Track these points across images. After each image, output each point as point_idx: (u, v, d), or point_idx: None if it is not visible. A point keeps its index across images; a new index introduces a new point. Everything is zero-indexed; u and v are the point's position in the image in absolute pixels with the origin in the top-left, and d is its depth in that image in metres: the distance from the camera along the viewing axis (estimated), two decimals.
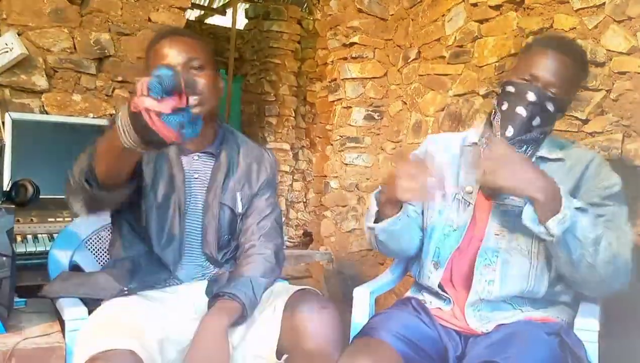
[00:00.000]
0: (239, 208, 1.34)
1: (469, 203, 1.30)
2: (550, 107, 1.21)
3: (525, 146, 1.24)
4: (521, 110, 1.21)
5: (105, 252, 1.52)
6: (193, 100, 0.89)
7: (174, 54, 1.24)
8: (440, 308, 1.31)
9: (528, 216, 1.10)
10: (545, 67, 1.21)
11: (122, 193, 1.13)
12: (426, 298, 1.35)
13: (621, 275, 1.14)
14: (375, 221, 1.28)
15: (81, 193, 1.09)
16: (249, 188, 1.36)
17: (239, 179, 1.35)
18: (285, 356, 1.17)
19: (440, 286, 1.31)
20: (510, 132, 1.21)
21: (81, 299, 1.27)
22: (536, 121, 1.21)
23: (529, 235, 1.20)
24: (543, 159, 1.26)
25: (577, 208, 1.08)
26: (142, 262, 1.27)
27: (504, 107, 1.23)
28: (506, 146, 1.12)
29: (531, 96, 1.20)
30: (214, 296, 1.22)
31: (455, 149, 1.38)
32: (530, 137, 1.22)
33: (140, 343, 1.03)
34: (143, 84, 0.84)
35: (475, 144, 1.33)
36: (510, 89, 1.24)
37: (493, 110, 1.28)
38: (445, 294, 1.30)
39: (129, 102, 0.86)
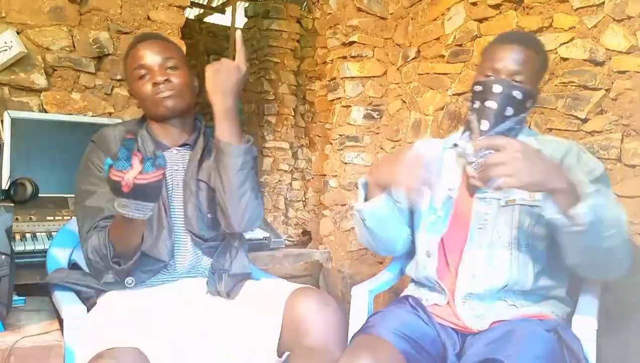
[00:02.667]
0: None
1: (450, 196, 1.35)
2: (518, 94, 1.25)
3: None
4: (491, 103, 1.25)
5: None
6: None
7: (150, 56, 1.32)
8: (437, 304, 1.32)
9: (552, 210, 1.06)
10: (505, 59, 1.27)
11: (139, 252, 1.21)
12: (423, 295, 1.36)
13: (628, 254, 1.15)
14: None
15: (110, 270, 1.22)
16: None
17: (214, 158, 1.36)
18: (286, 354, 1.17)
19: (437, 275, 1.32)
20: (485, 126, 1.25)
21: (80, 298, 1.27)
22: (509, 111, 1.25)
23: (508, 227, 1.25)
24: None
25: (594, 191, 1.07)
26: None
27: (476, 105, 1.28)
28: (517, 143, 1.06)
29: (497, 88, 1.25)
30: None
31: (438, 152, 1.42)
32: (506, 127, 1.25)
33: (145, 340, 1.03)
34: (117, 171, 1.01)
35: (455, 144, 1.37)
36: (478, 88, 1.29)
37: (469, 112, 1.32)
38: (441, 286, 1.31)
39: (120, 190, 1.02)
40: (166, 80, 1.30)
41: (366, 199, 1.33)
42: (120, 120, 2.21)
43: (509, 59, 1.26)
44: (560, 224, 1.06)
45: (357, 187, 2.90)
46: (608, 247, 1.09)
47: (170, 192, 1.34)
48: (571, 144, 1.30)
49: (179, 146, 1.39)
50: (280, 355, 1.17)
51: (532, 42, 1.33)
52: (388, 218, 1.34)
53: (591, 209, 1.02)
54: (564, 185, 1.03)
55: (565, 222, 1.05)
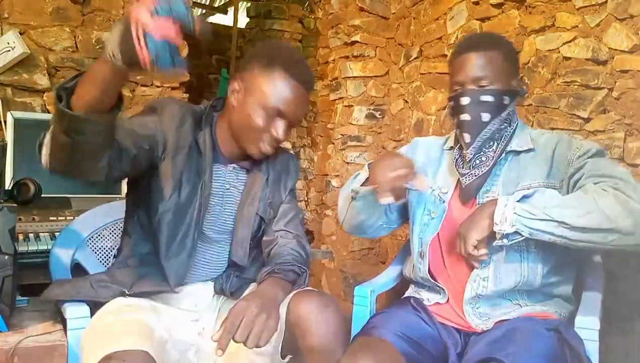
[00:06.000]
0: (270, 217, 1.36)
1: (444, 201, 1.35)
2: (488, 98, 1.25)
3: (494, 143, 1.29)
4: (465, 116, 1.27)
5: (107, 250, 1.52)
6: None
7: (293, 108, 1.22)
8: (438, 303, 1.32)
9: (498, 239, 1.15)
10: (464, 68, 1.27)
11: (93, 128, 0.95)
12: (423, 295, 1.37)
13: (622, 213, 1.06)
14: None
15: (54, 122, 0.96)
16: (278, 198, 1.38)
17: (271, 190, 1.36)
18: (289, 357, 1.17)
19: (431, 275, 1.32)
20: (467, 138, 1.28)
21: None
22: (485, 117, 1.26)
23: None
24: (514, 152, 1.30)
25: (520, 199, 1.13)
26: (148, 264, 1.25)
27: (455, 120, 1.31)
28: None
29: (465, 100, 1.26)
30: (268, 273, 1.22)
31: (435, 152, 1.44)
32: (490, 132, 1.26)
33: (151, 343, 1.03)
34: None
35: (452, 147, 1.39)
36: (451, 103, 1.31)
37: (455, 126, 1.34)
38: (438, 285, 1.31)
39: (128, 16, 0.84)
40: (281, 140, 1.25)
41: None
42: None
43: (467, 68, 1.26)
44: (507, 244, 1.15)
45: None
46: (571, 228, 1.08)
47: (216, 209, 1.29)
48: (562, 135, 1.30)
49: (237, 164, 1.33)
50: (283, 357, 1.16)
51: (487, 42, 1.31)
52: (374, 206, 1.33)
53: (503, 222, 1.12)
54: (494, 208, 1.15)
55: (507, 241, 1.15)
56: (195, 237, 1.25)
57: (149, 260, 1.25)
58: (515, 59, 1.35)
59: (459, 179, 1.33)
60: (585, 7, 1.72)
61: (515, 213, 1.12)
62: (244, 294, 1.29)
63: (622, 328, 1.45)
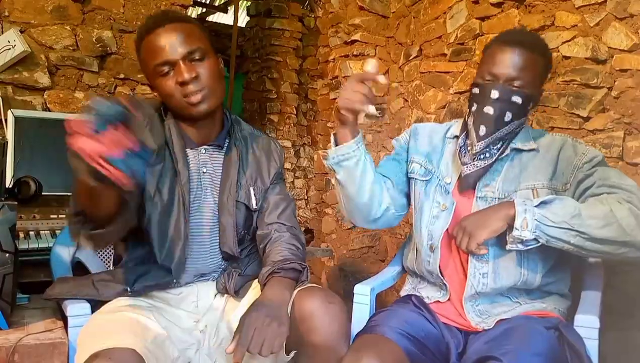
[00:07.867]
0: (254, 205, 1.32)
1: (448, 191, 1.34)
2: (518, 100, 1.24)
3: (500, 142, 1.28)
4: (489, 109, 1.25)
5: (108, 249, 1.52)
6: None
7: (173, 48, 1.15)
8: (438, 301, 1.32)
9: (511, 243, 1.16)
10: (504, 63, 1.24)
11: (119, 227, 1.05)
12: (422, 293, 1.36)
13: (638, 227, 1.09)
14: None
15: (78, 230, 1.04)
16: (262, 183, 1.34)
17: (251, 174, 1.33)
18: (293, 352, 1.17)
19: (440, 270, 1.32)
20: (482, 131, 1.26)
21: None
22: (507, 116, 1.24)
23: None
24: (517, 150, 1.30)
25: (538, 205, 1.13)
26: (147, 263, 1.25)
27: (474, 108, 1.28)
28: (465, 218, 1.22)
29: (495, 94, 1.24)
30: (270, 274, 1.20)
31: (438, 140, 1.42)
32: (505, 132, 1.26)
33: (142, 342, 1.03)
34: (78, 121, 0.77)
35: (457, 136, 1.37)
36: (475, 90, 1.28)
37: (467, 112, 1.32)
38: (444, 281, 1.31)
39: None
40: (194, 77, 1.16)
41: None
42: None
43: (508, 64, 1.22)
44: (522, 249, 1.16)
45: None
46: (589, 238, 1.11)
47: (198, 197, 1.26)
48: (566, 137, 1.30)
49: (208, 145, 1.29)
50: (287, 353, 1.17)
51: (533, 44, 1.27)
52: (360, 175, 1.28)
53: (524, 229, 1.12)
54: (505, 223, 1.15)
55: (522, 247, 1.15)
56: (185, 229, 1.23)
57: (148, 259, 1.25)
58: (548, 70, 1.33)
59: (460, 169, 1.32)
60: (585, 6, 1.72)
61: (536, 219, 1.11)
62: (248, 293, 1.29)
63: (622, 324, 1.46)
